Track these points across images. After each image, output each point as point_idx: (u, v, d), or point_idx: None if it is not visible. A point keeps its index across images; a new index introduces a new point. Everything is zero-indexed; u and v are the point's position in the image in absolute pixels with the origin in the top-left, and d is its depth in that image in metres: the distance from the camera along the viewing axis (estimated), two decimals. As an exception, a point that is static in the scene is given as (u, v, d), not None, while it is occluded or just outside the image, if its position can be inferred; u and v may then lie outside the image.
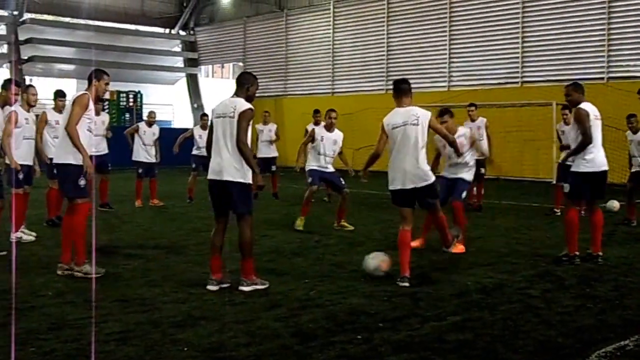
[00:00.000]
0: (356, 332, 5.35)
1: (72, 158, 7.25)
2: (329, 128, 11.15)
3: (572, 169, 8.19)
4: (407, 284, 6.94)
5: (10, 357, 4.64)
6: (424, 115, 7.31)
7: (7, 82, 8.47)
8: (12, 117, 8.81)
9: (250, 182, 6.77)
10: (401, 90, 7.46)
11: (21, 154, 9.22)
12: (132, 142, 14.30)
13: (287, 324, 5.57)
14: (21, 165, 9.18)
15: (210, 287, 6.72)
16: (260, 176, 6.85)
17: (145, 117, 16.11)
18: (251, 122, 6.79)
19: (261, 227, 10.81)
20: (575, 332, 5.43)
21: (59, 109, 10.66)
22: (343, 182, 11.10)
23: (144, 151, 14.11)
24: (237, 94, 6.89)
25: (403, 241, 7.29)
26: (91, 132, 7.46)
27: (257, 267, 7.76)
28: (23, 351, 4.81)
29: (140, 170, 14.07)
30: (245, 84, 6.91)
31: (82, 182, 7.24)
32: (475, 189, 13.40)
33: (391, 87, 7.79)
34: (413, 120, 7.23)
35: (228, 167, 6.68)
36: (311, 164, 11.24)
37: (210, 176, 6.84)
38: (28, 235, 9.61)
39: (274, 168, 16.19)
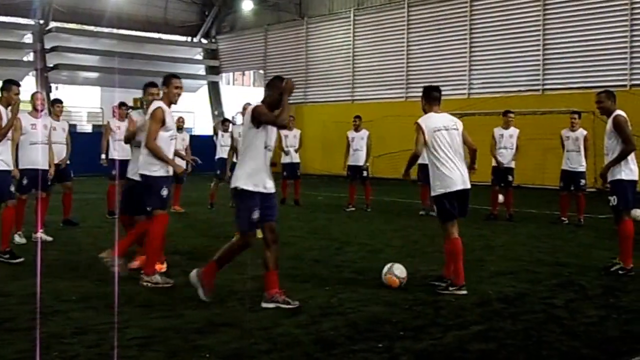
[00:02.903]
0: (377, 340, 5.32)
1: (152, 170, 7.31)
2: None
3: (616, 178, 7.93)
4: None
5: (34, 361, 4.68)
6: (459, 122, 7.39)
7: (5, 83, 8.41)
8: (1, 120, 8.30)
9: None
10: (435, 98, 7.42)
11: (27, 159, 9.36)
12: None
13: (309, 331, 5.56)
14: (28, 169, 9.32)
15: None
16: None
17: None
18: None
19: (283, 234, 10.80)
20: (600, 344, 5.37)
21: (56, 114, 11.05)
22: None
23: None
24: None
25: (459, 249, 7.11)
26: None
27: (279, 274, 7.75)
28: (47, 355, 4.84)
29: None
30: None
31: (164, 193, 7.32)
32: (503, 197, 13.30)
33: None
34: (453, 126, 7.24)
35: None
36: None
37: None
38: (20, 238, 9.67)
39: (298, 174, 16.16)
